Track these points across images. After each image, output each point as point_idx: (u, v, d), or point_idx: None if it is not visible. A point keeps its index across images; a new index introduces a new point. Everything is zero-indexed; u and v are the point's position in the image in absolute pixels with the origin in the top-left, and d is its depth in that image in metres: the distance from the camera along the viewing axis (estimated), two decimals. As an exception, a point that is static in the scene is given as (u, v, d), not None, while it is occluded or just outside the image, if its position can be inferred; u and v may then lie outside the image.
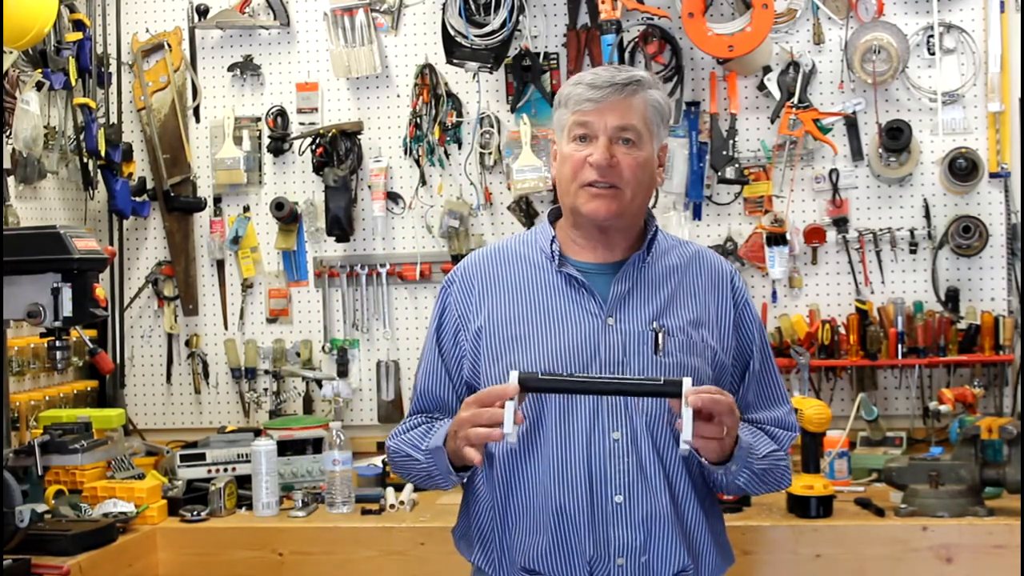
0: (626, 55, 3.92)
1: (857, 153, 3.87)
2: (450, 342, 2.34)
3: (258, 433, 3.60)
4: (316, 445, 3.61)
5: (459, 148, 4.07)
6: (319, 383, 4.09)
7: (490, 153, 4.02)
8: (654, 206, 3.94)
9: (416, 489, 3.40)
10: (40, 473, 3.02)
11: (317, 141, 4.07)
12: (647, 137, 2.26)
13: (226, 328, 4.22)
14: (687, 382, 2.04)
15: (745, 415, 2.32)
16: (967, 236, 3.77)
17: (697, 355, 2.26)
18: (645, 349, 2.23)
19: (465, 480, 2.29)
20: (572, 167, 2.25)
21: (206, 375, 4.23)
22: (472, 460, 2.09)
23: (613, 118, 2.23)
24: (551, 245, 2.31)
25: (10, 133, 3.65)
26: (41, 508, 2.94)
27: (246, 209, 4.19)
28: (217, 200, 4.20)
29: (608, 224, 2.26)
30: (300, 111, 4.16)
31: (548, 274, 2.30)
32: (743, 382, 2.35)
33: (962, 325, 3.75)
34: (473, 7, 3.89)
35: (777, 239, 3.83)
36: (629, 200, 2.25)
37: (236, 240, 4.17)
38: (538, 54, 3.98)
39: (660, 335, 2.23)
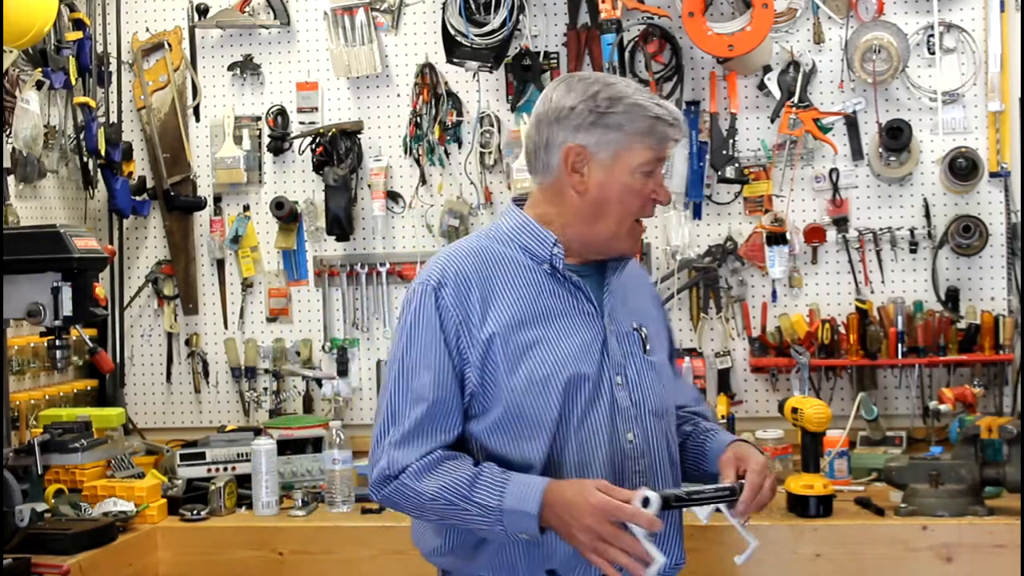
0: (626, 55, 3.92)
1: (857, 153, 3.87)
2: (455, 350, 2.16)
3: (258, 432, 3.59)
4: (316, 444, 3.61)
5: (459, 147, 4.07)
6: (319, 382, 4.08)
7: (490, 152, 4.02)
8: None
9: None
10: (40, 472, 3.02)
11: (317, 140, 4.07)
12: None
13: (226, 327, 4.22)
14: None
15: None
16: (967, 236, 3.77)
17: (663, 351, 2.34)
18: (637, 349, 2.25)
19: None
20: (640, 202, 2.21)
21: (206, 374, 4.22)
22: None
23: None
24: (552, 248, 2.21)
25: (10, 132, 3.65)
26: (41, 507, 2.95)
27: (246, 208, 4.19)
28: (217, 199, 4.20)
29: None
30: (300, 110, 4.16)
31: (538, 275, 2.22)
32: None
33: (962, 325, 3.75)
34: (473, 6, 3.89)
35: (777, 239, 3.83)
36: None
37: (236, 239, 4.16)
38: (538, 53, 3.97)
39: (645, 335, 2.27)
